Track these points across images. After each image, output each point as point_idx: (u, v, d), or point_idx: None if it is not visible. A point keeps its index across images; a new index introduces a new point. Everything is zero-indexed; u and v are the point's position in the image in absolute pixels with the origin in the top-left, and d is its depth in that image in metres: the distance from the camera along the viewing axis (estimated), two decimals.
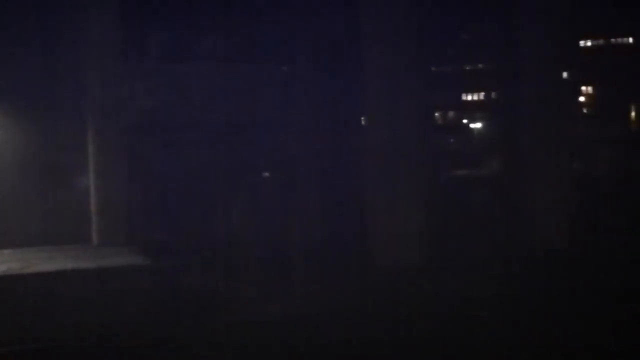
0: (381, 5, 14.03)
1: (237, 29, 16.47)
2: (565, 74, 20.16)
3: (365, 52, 14.35)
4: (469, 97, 25.49)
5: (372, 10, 14.15)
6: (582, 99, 24.20)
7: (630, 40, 22.01)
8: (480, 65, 23.58)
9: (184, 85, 15.61)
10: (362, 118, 17.05)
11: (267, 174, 17.64)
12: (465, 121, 25.75)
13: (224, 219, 15.61)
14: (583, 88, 23.38)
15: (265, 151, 16.75)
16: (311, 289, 11.97)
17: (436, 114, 23.81)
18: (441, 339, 9.33)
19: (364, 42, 14.39)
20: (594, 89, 23.91)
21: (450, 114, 25.90)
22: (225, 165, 16.22)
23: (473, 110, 25.13)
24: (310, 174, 16.81)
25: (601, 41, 22.91)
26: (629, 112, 21.53)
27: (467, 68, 23.85)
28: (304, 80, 16.94)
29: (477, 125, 25.22)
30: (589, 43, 23.04)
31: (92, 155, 14.39)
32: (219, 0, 15.65)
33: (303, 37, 16.63)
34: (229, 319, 10.40)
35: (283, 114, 16.72)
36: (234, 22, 16.13)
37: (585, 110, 23.76)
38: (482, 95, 24.82)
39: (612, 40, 22.77)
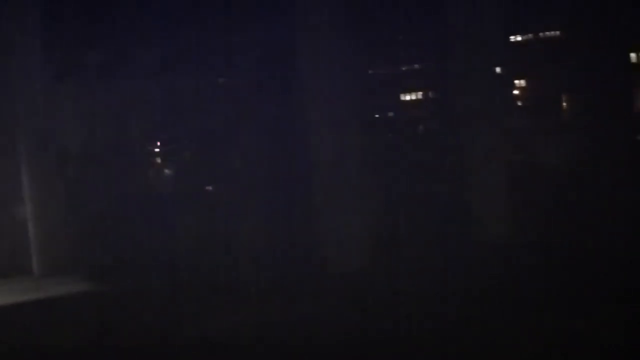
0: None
1: (170, 44, 16.39)
2: (499, 69, 20.78)
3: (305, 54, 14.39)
4: (407, 97, 25.91)
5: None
6: (516, 91, 25.00)
7: (558, 33, 22.83)
8: (416, 66, 24.00)
9: (118, 106, 15.51)
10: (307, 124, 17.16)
11: (209, 188, 17.63)
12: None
13: (170, 237, 15.53)
14: (517, 81, 24.19)
15: (209, 165, 16.73)
16: (263, 298, 12.02)
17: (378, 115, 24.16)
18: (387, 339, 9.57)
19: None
20: (527, 82, 24.75)
21: (390, 114, 26.31)
22: (168, 181, 16.13)
23: (412, 110, 25.60)
24: (258, 183, 16.84)
25: (531, 35, 23.71)
26: (561, 103, 22.34)
27: (404, 68, 24.25)
28: (243, 89, 16.97)
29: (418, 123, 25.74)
30: (519, 38, 23.86)
31: (28, 183, 14.16)
32: (146, 20, 15.55)
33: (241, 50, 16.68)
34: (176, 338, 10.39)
35: (226, 126, 16.72)
36: (166, 38, 16.05)
37: (520, 103, 24.59)
38: (419, 94, 25.28)
39: (542, 34, 23.58)
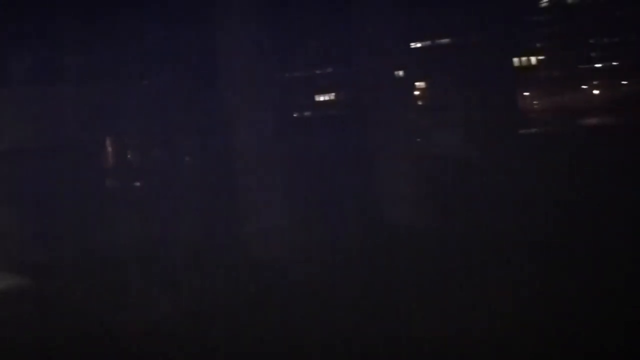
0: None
1: (96, 50, 16.95)
2: (401, 72, 22.73)
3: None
4: (321, 98, 27.56)
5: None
6: (416, 92, 27.29)
7: (449, 40, 25.26)
8: (329, 69, 25.71)
9: (48, 108, 15.92)
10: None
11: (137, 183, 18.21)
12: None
13: (95, 231, 16.14)
14: (417, 83, 26.48)
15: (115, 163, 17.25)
16: (186, 287, 12.85)
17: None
18: None
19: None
20: (427, 84, 27.05)
21: (305, 113, 27.88)
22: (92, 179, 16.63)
23: (325, 109, 27.32)
24: (175, 176, 17.57)
25: (429, 42, 26.07)
26: (459, 102, 24.59)
27: (317, 72, 25.93)
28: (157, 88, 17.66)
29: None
30: (418, 44, 26.18)
31: None
32: (75, 23, 16.04)
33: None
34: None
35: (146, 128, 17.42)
36: (92, 43, 16.59)
37: (421, 102, 26.86)
38: (332, 95, 26.97)
39: (439, 40, 25.90)
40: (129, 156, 19.15)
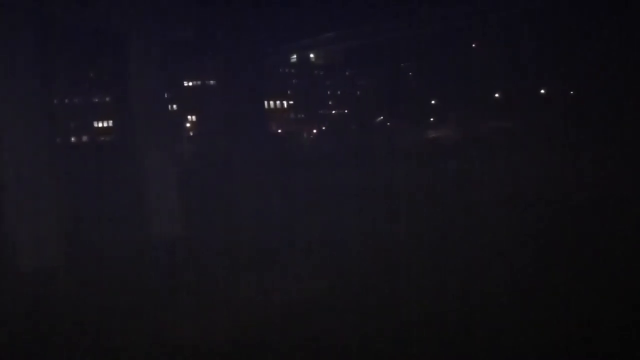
0: None
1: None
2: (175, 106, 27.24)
3: None
4: (99, 124, 30.75)
5: None
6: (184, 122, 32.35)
7: (213, 82, 30.90)
8: (107, 98, 29.25)
9: None
10: None
11: None
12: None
13: None
14: (187, 115, 31.50)
15: None
16: None
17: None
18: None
19: None
20: (195, 114, 32.25)
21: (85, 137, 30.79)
22: None
23: (103, 135, 30.61)
24: None
25: (199, 82, 31.29)
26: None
27: (96, 100, 29.37)
28: None
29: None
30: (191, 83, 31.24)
31: None
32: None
33: None
34: None
35: None
36: None
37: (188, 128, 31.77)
38: (110, 122, 30.33)
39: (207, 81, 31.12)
40: None
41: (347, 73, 40.49)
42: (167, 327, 10.28)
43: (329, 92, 42.41)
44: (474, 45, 34.07)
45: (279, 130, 35.92)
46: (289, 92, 40.81)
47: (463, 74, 31.89)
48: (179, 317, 10.68)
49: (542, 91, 31.08)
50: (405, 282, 11.19)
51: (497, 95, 33.85)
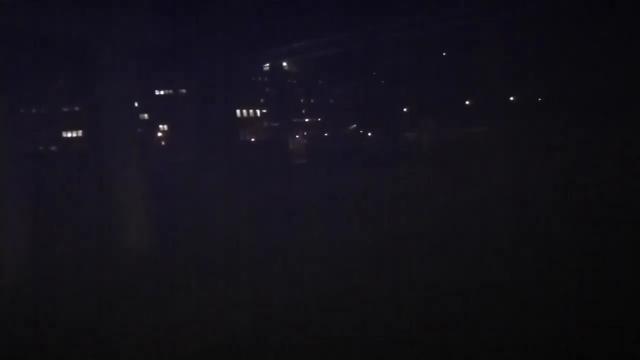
0: None
1: None
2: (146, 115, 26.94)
3: None
4: (68, 135, 30.42)
5: None
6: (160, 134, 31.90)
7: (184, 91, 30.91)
8: (76, 107, 28.91)
9: None
10: None
11: None
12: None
13: None
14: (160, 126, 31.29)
15: None
16: None
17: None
18: None
19: None
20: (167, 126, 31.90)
21: (54, 147, 30.34)
22: None
23: (73, 144, 30.21)
24: None
25: (171, 91, 31.26)
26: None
27: (65, 110, 29.07)
28: None
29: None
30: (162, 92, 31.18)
31: None
32: None
33: None
34: None
35: None
36: None
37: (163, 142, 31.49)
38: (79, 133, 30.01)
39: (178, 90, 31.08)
40: None
41: (319, 82, 40.82)
42: (126, 345, 9.77)
43: (302, 101, 42.73)
44: (444, 53, 34.55)
45: (252, 139, 36.04)
46: (262, 100, 41.00)
47: (436, 80, 32.30)
48: (140, 336, 10.22)
49: (512, 98, 31.58)
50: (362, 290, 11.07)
51: (467, 102, 34.37)
